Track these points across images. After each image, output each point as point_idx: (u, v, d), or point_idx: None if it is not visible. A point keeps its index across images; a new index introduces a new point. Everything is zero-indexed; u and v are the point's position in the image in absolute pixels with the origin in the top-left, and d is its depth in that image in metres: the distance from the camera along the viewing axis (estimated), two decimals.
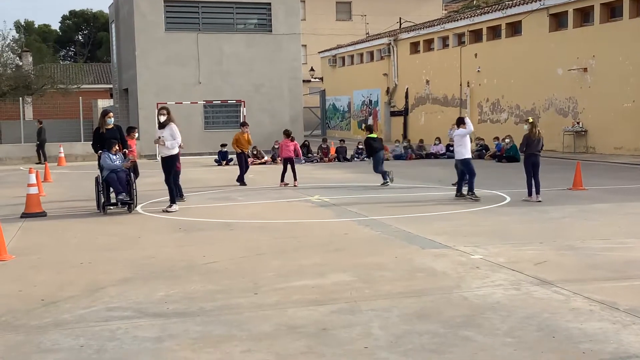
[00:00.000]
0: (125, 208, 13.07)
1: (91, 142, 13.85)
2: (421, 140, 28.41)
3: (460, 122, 15.12)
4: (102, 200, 13.04)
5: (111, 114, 13.89)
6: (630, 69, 24.48)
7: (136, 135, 16.68)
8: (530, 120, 14.23)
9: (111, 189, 13.14)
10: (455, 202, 13.72)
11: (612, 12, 26.16)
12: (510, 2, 31.14)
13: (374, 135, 17.84)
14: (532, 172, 13.68)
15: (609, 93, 25.59)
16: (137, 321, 6.09)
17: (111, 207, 13.07)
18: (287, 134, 18.14)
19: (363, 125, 19.32)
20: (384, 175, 17.08)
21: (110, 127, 13.55)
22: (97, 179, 13.31)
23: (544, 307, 6.26)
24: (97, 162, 13.54)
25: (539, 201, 13.43)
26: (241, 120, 25.36)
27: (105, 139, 13.32)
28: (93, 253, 9.22)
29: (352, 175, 20.05)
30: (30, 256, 9.13)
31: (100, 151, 13.32)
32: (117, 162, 13.18)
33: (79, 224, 11.93)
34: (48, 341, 5.60)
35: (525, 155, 13.93)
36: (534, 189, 13.64)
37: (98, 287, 7.31)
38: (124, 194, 12.92)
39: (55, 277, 7.87)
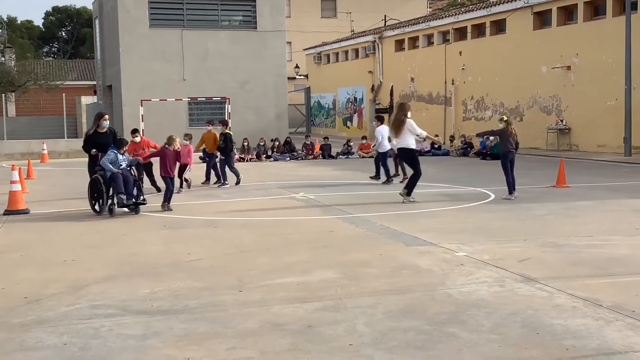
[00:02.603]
0: (130, 209, 12.44)
1: (82, 145, 13.20)
2: None
3: (380, 119, 16.98)
4: (106, 201, 12.27)
5: (107, 116, 13.20)
6: (614, 67, 24.65)
7: (138, 138, 15.94)
8: (505, 118, 14.29)
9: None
10: (439, 200, 13.75)
11: (596, 10, 26.33)
12: (495, 0, 31.25)
13: (230, 132, 17.47)
14: (509, 169, 13.68)
15: (592, 91, 25.76)
16: (121, 319, 6.06)
17: (124, 208, 12.34)
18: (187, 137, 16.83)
19: (219, 121, 18.59)
20: (237, 174, 16.92)
21: (104, 130, 12.93)
22: (97, 179, 12.46)
23: (528, 304, 6.29)
24: (88, 161, 13.00)
25: (515, 197, 13.48)
26: (224, 118, 25.13)
27: (98, 143, 12.75)
28: (77, 250, 9.17)
29: (337, 173, 20.06)
30: (13, 254, 9.06)
31: (94, 150, 12.72)
32: (124, 163, 12.43)
33: (63, 221, 11.85)
34: (31, 339, 5.56)
35: (502, 153, 13.99)
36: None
37: (82, 284, 7.26)
38: (127, 196, 12.16)
39: (39, 274, 7.81)
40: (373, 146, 17.62)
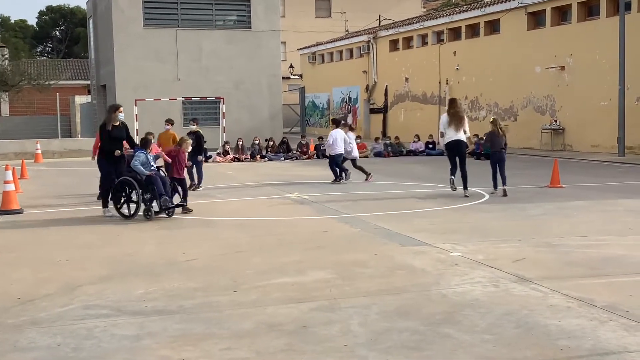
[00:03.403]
0: (168, 214, 11.87)
1: (99, 141, 12.31)
2: (397, 138, 28.36)
3: (335, 122, 17.97)
4: (144, 204, 11.64)
5: (121, 108, 12.47)
6: (607, 67, 24.71)
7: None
8: (492, 119, 14.80)
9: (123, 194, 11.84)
10: (434, 200, 13.76)
11: (590, 10, 26.39)
12: (489, 0, 31.30)
13: (200, 130, 16.45)
14: (497, 167, 14.26)
15: (586, 91, 25.82)
16: (115, 319, 6.04)
17: (164, 213, 11.80)
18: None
19: (190, 119, 17.66)
20: (196, 178, 16.20)
21: (117, 124, 12.16)
22: (127, 181, 11.74)
23: (522, 304, 6.30)
24: (101, 160, 12.17)
25: (504, 190, 14.01)
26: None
27: (112, 137, 12.01)
28: (71, 251, 9.14)
29: (331, 173, 20.01)
30: (7, 254, 9.02)
31: (118, 151, 11.94)
32: (154, 164, 11.99)
33: (57, 221, 11.81)
34: (24, 340, 5.54)
35: (491, 153, 14.59)
36: (499, 182, 14.20)
37: (76, 285, 7.24)
38: (167, 197, 11.71)
39: (32, 275, 7.78)
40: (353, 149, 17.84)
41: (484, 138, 15.61)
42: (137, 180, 11.73)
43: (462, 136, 14.05)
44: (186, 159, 13.18)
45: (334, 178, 17.28)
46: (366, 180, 17.31)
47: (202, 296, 6.74)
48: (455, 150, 14.16)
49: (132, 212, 11.79)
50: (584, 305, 6.22)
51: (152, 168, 11.96)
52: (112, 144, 12.03)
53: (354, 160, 17.86)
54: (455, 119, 14.06)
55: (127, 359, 5.10)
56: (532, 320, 5.83)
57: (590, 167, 20.58)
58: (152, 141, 13.76)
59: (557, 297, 6.53)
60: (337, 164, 17.30)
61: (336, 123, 18.19)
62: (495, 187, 14.25)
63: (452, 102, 14.65)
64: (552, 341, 5.32)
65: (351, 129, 18.94)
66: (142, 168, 11.75)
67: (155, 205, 11.79)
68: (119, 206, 11.98)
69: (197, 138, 15.78)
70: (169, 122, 16.35)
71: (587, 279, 7.25)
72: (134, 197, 11.81)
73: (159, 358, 5.10)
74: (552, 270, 7.65)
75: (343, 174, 17.32)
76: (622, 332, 5.49)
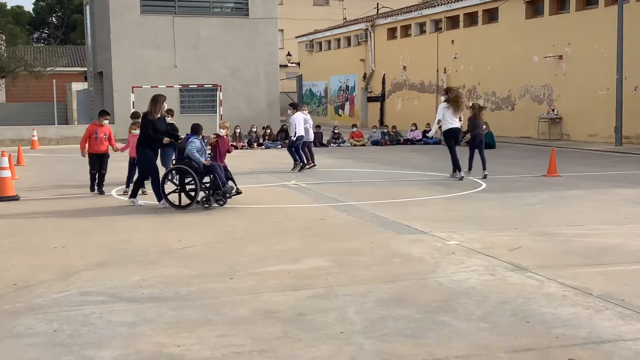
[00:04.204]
0: (221, 203, 11.50)
1: (146, 130, 11.57)
2: (394, 127, 28.29)
3: (294, 105, 18.04)
4: (195, 194, 11.34)
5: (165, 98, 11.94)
6: (605, 56, 24.68)
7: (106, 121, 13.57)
8: (471, 104, 16.00)
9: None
10: (431, 188, 13.76)
11: None
12: None
13: (174, 122, 14.96)
14: (474, 150, 15.34)
15: (584, 80, 25.80)
16: (112, 306, 6.04)
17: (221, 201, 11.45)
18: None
19: (165, 110, 16.44)
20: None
21: (159, 115, 11.74)
22: (184, 170, 11.37)
23: (518, 293, 6.31)
24: (147, 149, 11.62)
25: (485, 174, 14.88)
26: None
27: (155, 129, 11.57)
28: (67, 237, 9.13)
29: (328, 161, 20.03)
30: (3, 240, 9.01)
31: (167, 139, 11.62)
32: (208, 150, 11.65)
33: (53, 207, 11.79)
34: (21, 326, 5.54)
35: (472, 136, 15.47)
36: (473, 167, 15.30)
37: (72, 271, 7.24)
38: (232, 184, 11.54)
39: (29, 261, 7.78)
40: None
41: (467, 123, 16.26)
42: (193, 168, 11.35)
43: (459, 123, 15.09)
44: (228, 144, 12.73)
45: (295, 164, 17.31)
46: (307, 168, 17.36)
47: (198, 283, 6.74)
48: (456, 137, 15.09)
49: (187, 200, 11.40)
50: (579, 294, 6.23)
51: (207, 155, 11.67)
52: (155, 134, 11.61)
53: (309, 144, 17.85)
54: (457, 106, 14.92)
55: (124, 345, 5.09)
56: (528, 309, 5.84)
57: (588, 157, 20.59)
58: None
59: (553, 285, 6.54)
60: (296, 148, 17.32)
61: (295, 107, 18.13)
62: (470, 168, 15.23)
63: (452, 90, 15.36)
64: (548, 329, 5.33)
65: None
66: (198, 155, 11.39)
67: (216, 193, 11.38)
68: (166, 194, 11.52)
69: (173, 130, 14.64)
70: (169, 113, 14.86)
71: (583, 267, 7.26)
72: (190, 186, 11.40)
73: (155, 344, 5.10)
74: (548, 259, 7.66)
75: (301, 161, 17.31)
76: (618, 321, 5.50)
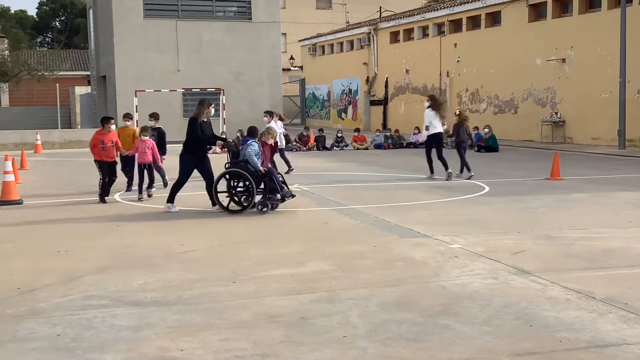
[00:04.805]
0: (273, 206, 11.34)
1: (197, 134, 11.26)
2: (397, 130, 28.27)
3: (270, 113, 17.73)
4: (251, 199, 11.14)
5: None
6: (608, 59, 24.65)
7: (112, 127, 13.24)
8: (457, 112, 17.18)
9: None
10: (434, 192, 13.75)
11: (591, 2, 26.31)
12: None
13: (161, 126, 15.09)
14: (463, 154, 16.24)
15: (587, 84, 25.78)
16: (115, 310, 6.04)
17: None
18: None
19: (149, 115, 15.62)
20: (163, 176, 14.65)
21: (206, 119, 11.52)
22: (240, 174, 11.19)
23: (521, 296, 6.30)
24: (182, 157, 11.44)
25: (471, 175, 15.72)
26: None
27: (202, 132, 11.33)
28: (70, 241, 9.14)
29: (331, 165, 20.04)
30: (7, 244, 9.02)
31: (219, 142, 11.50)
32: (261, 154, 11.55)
33: (56, 212, 11.81)
34: (24, 330, 5.54)
35: (457, 142, 16.53)
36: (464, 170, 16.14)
37: (75, 275, 7.24)
38: (287, 189, 11.41)
39: (32, 265, 7.79)
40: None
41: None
42: (250, 172, 11.17)
43: (442, 128, 16.11)
44: (269, 152, 12.47)
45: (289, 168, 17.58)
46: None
47: (200, 287, 6.74)
48: (438, 140, 15.92)
49: (241, 205, 11.28)
50: (583, 298, 6.22)
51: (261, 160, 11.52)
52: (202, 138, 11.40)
53: (281, 150, 17.67)
54: (442, 112, 15.99)
55: (127, 349, 5.10)
56: (531, 312, 5.83)
57: (591, 160, 20.57)
58: (148, 137, 13.56)
59: (556, 289, 6.53)
60: (281, 153, 17.56)
61: (271, 114, 17.62)
62: (468, 170, 15.98)
63: (435, 98, 16.65)
64: (551, 333, 5.33)
65: (281, 118, 18.87)
66: (255, 159, 11.23)
67: (272, 198, 11.23)
68: (217, 198, 11.36)
69: (160, 135, 14.68)
70: (128, 117, 14.53)
71: (587, 271, 7.25)
72: (243, 190, 11.28)
73: (157, 348, 5.11)
74: (551, 262, 7.65)
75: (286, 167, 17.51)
76: (621, 325, 5.49)
